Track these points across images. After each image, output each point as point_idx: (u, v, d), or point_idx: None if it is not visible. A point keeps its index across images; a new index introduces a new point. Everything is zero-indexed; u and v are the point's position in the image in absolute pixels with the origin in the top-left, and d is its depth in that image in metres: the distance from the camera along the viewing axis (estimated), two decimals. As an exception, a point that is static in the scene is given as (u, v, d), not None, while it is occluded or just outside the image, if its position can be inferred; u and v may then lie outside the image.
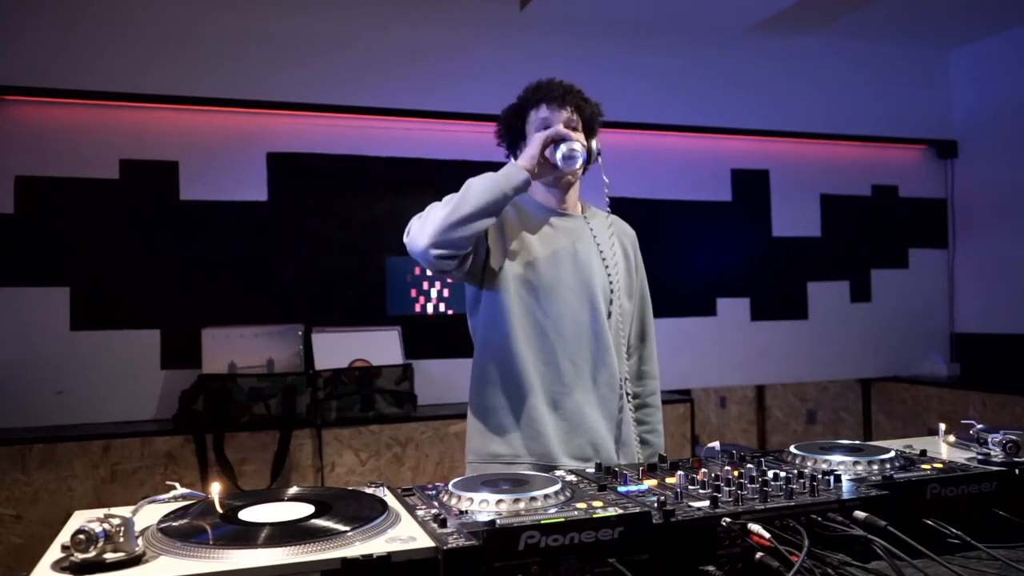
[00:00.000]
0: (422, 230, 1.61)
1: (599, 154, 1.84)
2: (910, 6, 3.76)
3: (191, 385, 2.96)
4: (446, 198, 1.66)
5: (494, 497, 1.11)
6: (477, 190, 1.62)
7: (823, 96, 4.19)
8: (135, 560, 0.93)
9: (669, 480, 1.27)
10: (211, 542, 0.97)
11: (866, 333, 4.25)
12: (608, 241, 1.90)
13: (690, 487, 1.22)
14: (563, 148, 1.71)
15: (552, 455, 1.75)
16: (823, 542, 1.09)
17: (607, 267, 1.87)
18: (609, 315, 1.84)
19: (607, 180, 1.84)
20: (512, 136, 1.88)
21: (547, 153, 1.73)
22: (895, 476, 1.25)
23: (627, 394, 1.89)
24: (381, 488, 1.22)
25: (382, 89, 3.44)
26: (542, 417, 1.76)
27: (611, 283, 1.86)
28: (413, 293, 3.46)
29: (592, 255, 1.85)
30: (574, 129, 1.81)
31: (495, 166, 1.70)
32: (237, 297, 3.23)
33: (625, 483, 1.25)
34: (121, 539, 0.93)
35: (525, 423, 1.77)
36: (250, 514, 1.09)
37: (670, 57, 3.92)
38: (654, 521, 1.04)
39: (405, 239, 1.68)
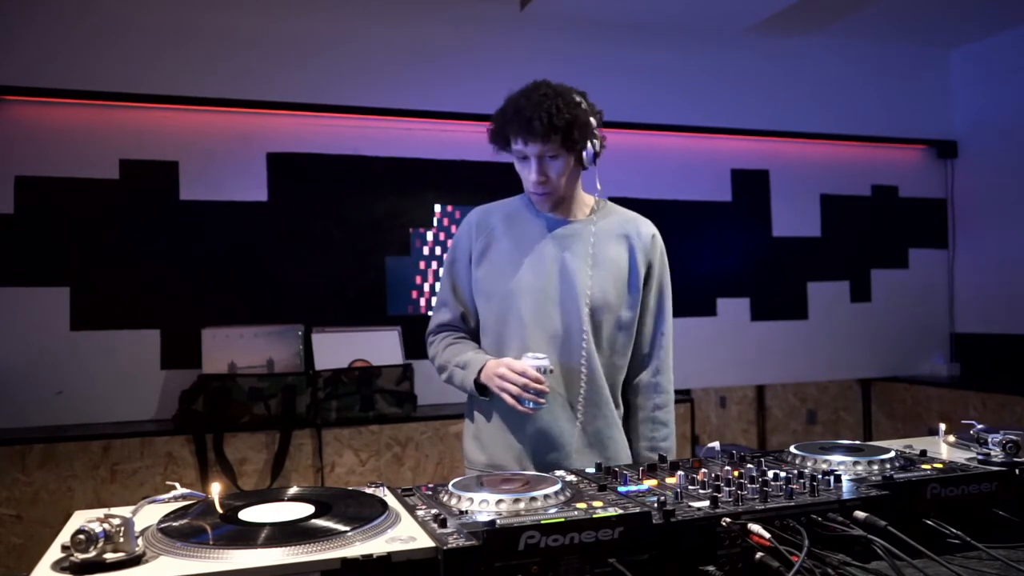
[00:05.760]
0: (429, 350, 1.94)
1: (597, 155, 1.78)
2: (910, 6, 3.76)
3: (191, 385, 2.96)
4: (436, 344, 1.90)
5: (494, 497, 1.11)
6: (444, 377, 1.86)
7: (823, 96, 4.18)
8: (135, 560, 0.93)
9: (669, 480, 1.27)
10: (211, 542, 0.97)
11: (866, 333, 4.25)
12: (604, 246, 1.81)
13: (690, 487, 1.22)
14: (530, 404, 1.65)
15: (524, 468, 1.75)
16: (823, 542, 1.09)
17: (593, 276, 1.78)
18: (596, 326, 1.78)
19: (600, 187, 1.84)
20: (502, 146, 1.80)
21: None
22: (895, 476, 1.25)
23: (619, 406, 1.85)
24: (381, 488, 1.22)
25: (382, 89, 3.43)
26: (513, 429, 1.78)
27: (594, 293, 1.77)
28: (413, 293, 3.46)
29: (581, 264, 1.78)
30: (553, 157, 1.71)
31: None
32: (237, 297, 3.23)
33: (625, 483, 1.25)
34: (121, 539, 0.93)
35: (499, 433, 1.79)
36: (250, 514, 1.09)
37: (670, 57, 3.92)
38: (654, 521, 1.04)
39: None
